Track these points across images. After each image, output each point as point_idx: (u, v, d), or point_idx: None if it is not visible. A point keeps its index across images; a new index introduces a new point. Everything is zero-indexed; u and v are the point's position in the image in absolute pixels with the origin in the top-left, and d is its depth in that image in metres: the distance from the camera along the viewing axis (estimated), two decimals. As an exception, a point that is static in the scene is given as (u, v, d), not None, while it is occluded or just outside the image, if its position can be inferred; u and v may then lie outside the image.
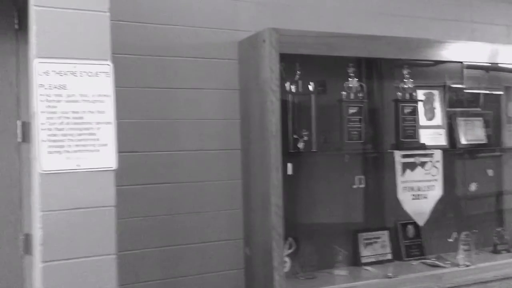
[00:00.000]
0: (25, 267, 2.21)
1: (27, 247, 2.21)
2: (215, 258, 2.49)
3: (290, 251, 2.52)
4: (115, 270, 1.74)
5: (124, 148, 2.02)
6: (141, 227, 2.34)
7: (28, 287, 2.21)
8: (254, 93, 2.44)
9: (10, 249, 2.19)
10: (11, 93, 2.20)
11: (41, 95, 1.67)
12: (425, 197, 2.61)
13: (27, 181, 2.21)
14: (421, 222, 2.65)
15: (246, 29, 2.54)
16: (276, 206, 2.30)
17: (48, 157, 1.66)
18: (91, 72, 1.73)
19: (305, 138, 2.53)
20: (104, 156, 1.74)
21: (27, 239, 2.21)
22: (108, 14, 1.74)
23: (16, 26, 2.19)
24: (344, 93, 2.62)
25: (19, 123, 2.21)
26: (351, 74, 2.62)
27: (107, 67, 1.75)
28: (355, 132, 2.60)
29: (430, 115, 2.82)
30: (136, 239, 2.33)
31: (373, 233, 2.72)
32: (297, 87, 2.55)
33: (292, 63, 2.52)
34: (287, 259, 2.50)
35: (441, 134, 2.83)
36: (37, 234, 1.69)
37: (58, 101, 1.69)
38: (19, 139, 2.21)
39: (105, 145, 1.75)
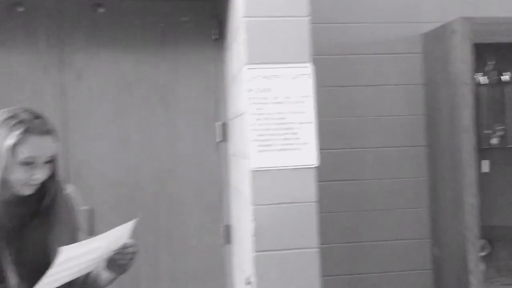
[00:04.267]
0: (225, 256, 2.43)
1: (227, 237, 2.43)
2: (400, 256, 2.45)
3: (483, 253, 2.36)
4: (318, 263, 1.81)
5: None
6: (328, 222, 2.40)
7: (228, 274, 2.43)
8: (442, 87, 2.33)
9: (212, 239, 2.43)
10: (211, 97, 2.44)
11: (250, 98, 1.81)
12: None
13: (225, 176, 2.44)
14: None
15: (430, 20, 2.45)
16: (471, 206, 2.17)
17: (257, 155, 1.80)
18: (293, 75, 1.82)
19: (500, 133, 2.34)
20: (306, 154, 1.83)
21: (227, 230, 2.43)
22: (308, 18, 1.82)
23: (214, 37, 2.42)
24: (546, 82, 2.36)
25: (218, 124, 2.44)
26: (555, 60, 2.35)
27: (308, 69, 1.83)
28: (561, 125, 2.33)
29: None
30: (323, 234, 2.40)
31: None
32: (489, 78, 2.38)
33: (481, 52, 2.35)
34: (480, 262, 2.34)
35: None
36: (249, 226, 1.84)
37: (265, 103, 1.82)
38: (219, 139, 2.44)
39: (306, 143, 1.84)
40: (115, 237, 1.24)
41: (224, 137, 2.43)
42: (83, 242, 1.19)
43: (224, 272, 2.43)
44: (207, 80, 2.44)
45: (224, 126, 2.43)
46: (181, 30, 2.41)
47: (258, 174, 1.80)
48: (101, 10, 2.33)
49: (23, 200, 1.26)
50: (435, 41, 2.37)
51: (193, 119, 2.43)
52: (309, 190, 1.82)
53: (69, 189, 1.38)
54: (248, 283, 1.86)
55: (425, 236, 2.46)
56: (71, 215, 1.35)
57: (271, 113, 1.82)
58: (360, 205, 2.43)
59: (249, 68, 1.81)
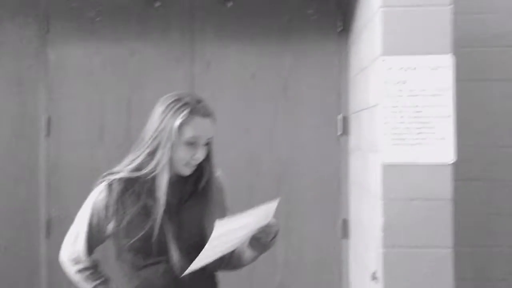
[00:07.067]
0: (342, 250, 2.41)
1: (345, 231, 2.40)
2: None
3: None
4: (451, 264, 1.73)
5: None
6: (456, 223, 2.28)
7: (344, 268, 2.41)
8: None
9: (329, 232, 2.42)
10: (333, 89, 2.43)
11: (383, 90, 1.77)
12: None
13: (345, 170, 2.41)
14: None
15: None
16: None
17: (390, 149, 1.76)
18: (431, 66, 1.75)
19: None
20: (442, 149, 1.75)
21: (344, 224, 2.41)
22: (451, 7, 1.73)
23: (339, 28, 2.40)
24: None
25: (339, 117, 2.42)
26: None
27: (448, 60, 1.74)
28: None
29: None
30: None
31: None
32: None
33: None
34: None
35: None
36: (375, 221, 1.80)
37: (400, 96, 1.76)
38: (339, 132, 2.42)
39: (443, 138, 1.75)
40: (261, 215, 1.26)
41: (345, 130, 2.41)
42: (235, 217, 1.22)
43: (340, 266, 2.41)
44: (330, 72, 2.43)
45: (345, 120, 2.40)
46: (305, 22, 2.41)
47: (389, 168, 1.75)
48: (229, 3, 2.41)
49: (183, 180, 1.34)
50: None
51: (315, 111, 2.43)
52: (445, 187, 1.74)
53: (218, 172, 1.45)
54: (374, 278, 1.83)
55: None
56: (221, 195, 1.41)
57: (406, 106, 1.76)
58: (492, 207, 2.28)
59: (384, 60, 1.76)
